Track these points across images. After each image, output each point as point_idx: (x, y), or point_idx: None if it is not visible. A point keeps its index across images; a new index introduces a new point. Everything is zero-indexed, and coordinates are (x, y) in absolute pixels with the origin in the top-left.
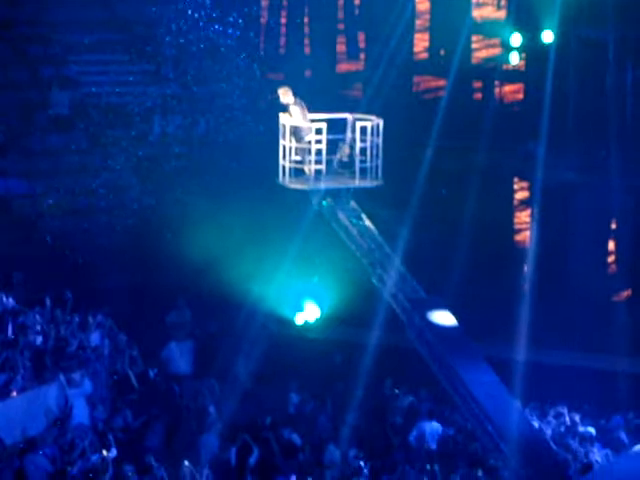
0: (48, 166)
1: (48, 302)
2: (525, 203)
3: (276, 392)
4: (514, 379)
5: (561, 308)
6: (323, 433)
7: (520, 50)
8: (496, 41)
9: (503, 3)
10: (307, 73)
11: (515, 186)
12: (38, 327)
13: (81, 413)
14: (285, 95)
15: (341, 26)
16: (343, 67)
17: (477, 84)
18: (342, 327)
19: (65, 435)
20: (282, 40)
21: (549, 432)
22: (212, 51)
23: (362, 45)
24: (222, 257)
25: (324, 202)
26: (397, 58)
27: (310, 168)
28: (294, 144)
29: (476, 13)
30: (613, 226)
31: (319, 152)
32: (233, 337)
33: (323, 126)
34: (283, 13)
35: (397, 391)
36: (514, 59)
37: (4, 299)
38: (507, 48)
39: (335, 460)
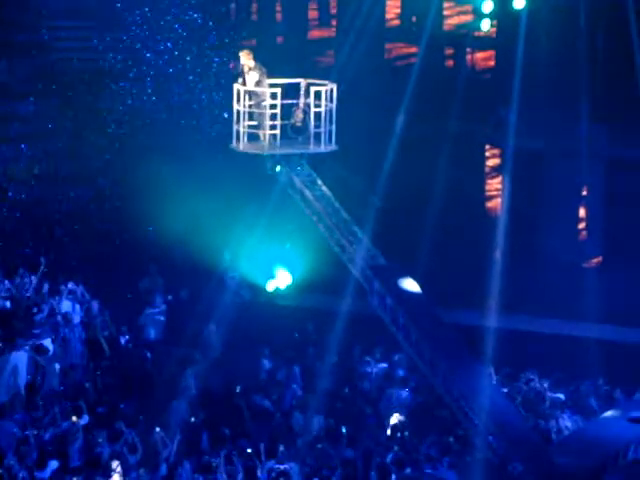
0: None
1: (20, 269)
2: (496, 170)
3: (247, 359)
4: (485, 346)
5: (532, 275)
6: (294, 400)
7: (491, 17)
8: (468, 8)
9: None
10: (279, 40)
11: (486, 153)
12: (7, 293)
13: (52, 379)
14: (246, 58)
15: None
16: (315, 34)
17: (449, 51)
18: (314, 294)
19: (35, 401)
20: (254, 7)
21: (519, 398)
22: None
23: (334, 12)
24: (194, 224)
25: (278, 167)
26: (369, 25)
27: (265, 133)
28: (247, 109)
29: None
30: (584, 193)
31: (274, 117)
32: (204, 304)
33: (277, 91)
34: None
35: (368, 358)
36: (485, 26)
37: None
38: (479, 15)
39: (305, 427)
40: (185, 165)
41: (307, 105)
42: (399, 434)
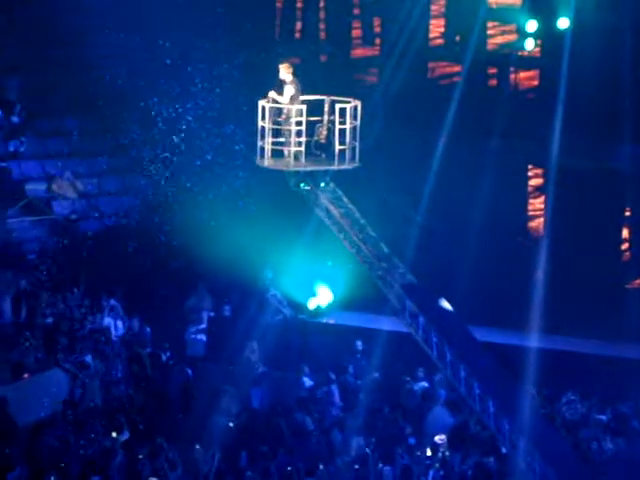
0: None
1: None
2: (539, 190)
3: (288, 376)
4: (525, 366)
5: (574, 296)
6: (334, 418)
7: (535, 36)
8: (512, 27)
9: None
10: (322, 58)
11: (529, 173)
12: (51, 309)
13: (92, 395)
14: (286, 71)
15: (357, 11)
16: (358, 52)
17: (492, 70)
18: (355, 312)
19: (77, 417)
20: (298, 25)
21: (559, 419)
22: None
23: (377, 30)
24: (237, 241)
25: (302, 184)
26: (412, 44)
27: (289, 150)
28: (272, 125)
29: None
30: (627, 214)
31: (299, 133)
32: (246, 322)
33: (303, 107)
34: None
35: (408, 378)
36: (529, 45)
37: (19, 281)
38: (523, 34)
39: (346, 446)
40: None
41: (331, 122)
42: (440, 454)
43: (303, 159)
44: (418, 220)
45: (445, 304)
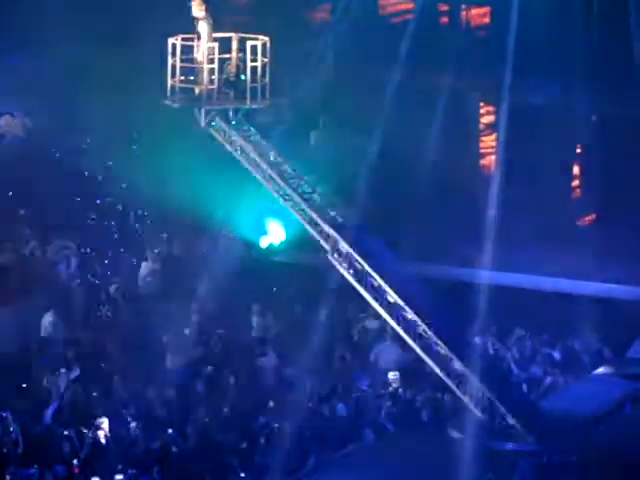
0: None
1: None
2: (490, 127)
3: (240, 315)
4: (475, 303)
5: (525, 232)
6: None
7: None
8: None
9: None
10: None
11: (481, 110)
12: None
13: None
14: (199, 8)
15: None
16: None
17: (443, 8)
18: (308, 250)
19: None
20: None
21: (510, 355)
22: None
23: None
24: (186, 180)
25: (213, 123)
26: None
27: (201, 88)
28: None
29: None
30: (578, 150)
31: (211, 72)
32: (198, 260)
33: (215, 46)
34: None
35: (363, 315)
36: None
37: None
38: None
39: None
40: None
41: (240, 59)
42: (392, 389)
43: (214, 97)
44: (370, 158)
45: (378, 242)
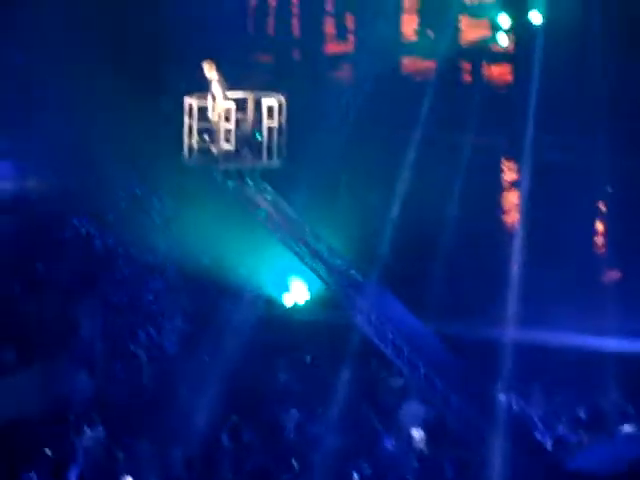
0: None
1: None
2: (513, 183)
3: (265, 373)
4: (498, 359)
5: (548, 287)
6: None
7: (509, 31)
8: (485, 22)
9: None
10: (295, 54)
11: (503, 166)
12: None
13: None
14: (209, 70)
15: (329, 7)
16: (331, 48)
17: (466, 65)
18: (332, 309)
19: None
20: (271, 21)
21: (534, 414)
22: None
23: (350, 26)
24: (211, 238)
25: (230, 181)
26: (385, 39)
27: (218, 147)
28: (198, 124)
29: None
30: (600, 207)
31: (228, 131)
32: (221, 318)
33: (232, 106)
34: None
35: (386, 373)
36: (503, 40)
37: None
38: (496, 29)
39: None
40: None
41: (256, 119)
42: (416, 447)
43: (231, 157)
44: (392, 215)
45: (398, 300)
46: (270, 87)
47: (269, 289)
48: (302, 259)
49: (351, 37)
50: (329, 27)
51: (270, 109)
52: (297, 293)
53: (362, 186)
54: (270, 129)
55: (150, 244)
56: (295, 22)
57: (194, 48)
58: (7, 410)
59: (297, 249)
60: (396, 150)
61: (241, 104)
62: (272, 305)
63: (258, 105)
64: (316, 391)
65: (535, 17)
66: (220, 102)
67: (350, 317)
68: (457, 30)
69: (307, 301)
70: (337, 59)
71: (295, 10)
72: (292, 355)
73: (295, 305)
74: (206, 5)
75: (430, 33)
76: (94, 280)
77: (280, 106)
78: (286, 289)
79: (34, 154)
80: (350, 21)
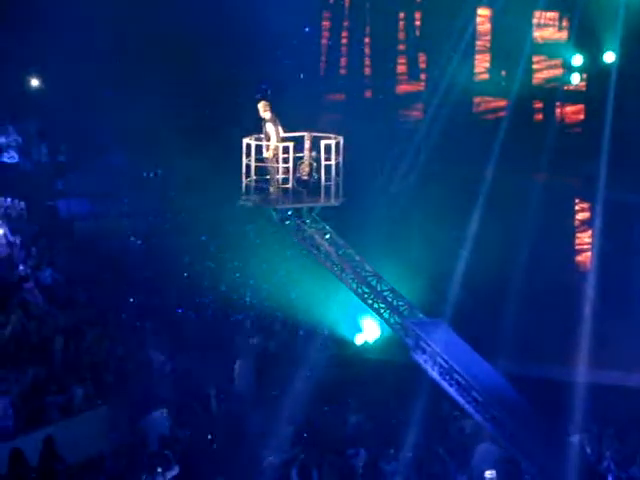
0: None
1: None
2: (586, 224)
3: (335, 412)
4: (570, 400)
5: (621, 329)
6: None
7: (581, 71)
8: (557, 61)
9: (565, 24)
10: (367, 94)
11: (576, 207)
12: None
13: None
14: (264, 109)
15: (402, 47)
16: (403, 88)
17: (538, 105)
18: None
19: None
20: (343, 60)
21: (609, 455)
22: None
23: (423, 66)
24: (283, 278)
25: (287, 221)
26: (457, 79)
27: (275, 187)
28: (256, 163)
29: (537, 34)
30: None
31: (286, 171)
32: (293, 357)
33: (290, 145)
34: (344, 34)
35: (457, 412)
36: (575, 79)
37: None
38: (568, 68)
39: None
40: None
41: (313, 158)
42: None
43: (289, 196)
44: (464, 255)
45: (461, 339)
46: (341, 127)
47: (340, 328)
48: (365, 300)
49: (423, 76)
50: (401, 67)
51: (327, 148)
52: (368, 332)
53: (432, 226)
54: (327, 168)
55: (222, 285)
56: (367, 62)
57: (267, 87)
58: (81, 447)
59: (359, 290)
60: (467, 189)
61: (299, 144)
62: (343, 344)
63: (315, 144)
64: (387, 431)
65: (608, 56)
66: (274, 142)
67: (414, 357)
68: (529, 69)
69: (377, 339)
70: (409, 98)
71: (367, 50)
72: (362, 394)
73: (365, 344)
74: (280, 44)
75: (503, 72)
76: (169, 318)
77: (337, 145)
78: (357, 328)
79: (111, 192)
80: (422, 60)
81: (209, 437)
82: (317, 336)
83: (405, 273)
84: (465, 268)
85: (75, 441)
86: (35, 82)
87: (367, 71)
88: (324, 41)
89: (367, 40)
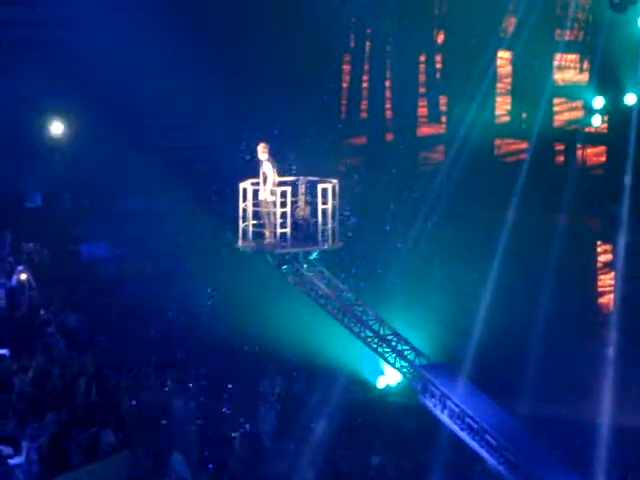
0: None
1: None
2: (608, 266)
3: (358, 455)
4: (595, 444)
5: None
6: None
7: (603, 112)
8: (578, 104)
9: (585, 66)
10: (388, 136)
11: (598, 249)
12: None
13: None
14: (263, 151)
15: (422, 89)
16: (424, 130)
17: (559, 147)
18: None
19: None
20: (364, 104)
21: None
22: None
23: (443, 108)
24: (305, 322)
25: (285, 266)
26: (478, 121)
27: (273, 232)
28: (253, 207)
29: (558, 76)
30: None
31: (283, 215)
32: (316, 401)
33: (288, 189)
34: (365, 77)
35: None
36: (597, 121)
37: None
38: (589, 111)
39: None
40: None
41: (308, 203)
42: None
43: (286, 241)
44: (484, 295)
45: (467, 382)
46: (362, 169)
47: (362, 371)
48: (369, 344)
49: (444, 119)
50: (422, 109)
51: (324, 192)
52: (390, 375)
53: (453, 268)
54: (324, 212)
55: (249, 328)
56: (388, 105)
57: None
58: None
59: (362, 334)
60: (488, 231)
61: (295, 188)
62: (366, 387)
63: (307, 188)
64: (410, 473)
65: (629, 98)
66: (270, 185)
67: (423, 401)
68: (550, 111)
69: (399, 382)
70: (430, 140)
71: (388, 93)
72: (385, 437)
73: (388, 387)
74: (300, 88)
75: (523, 115)
76: (187, 363)
77: (334, 189)
78: (379, 371)
79: (129, 237)
80: (443, 103)
81: None
82: (339, 379)
83: (426, 316)
84: (486, 310)
85: None
86: (57, 128)
87: (388, 114)
88: (344, 84)
89: (388, 83)
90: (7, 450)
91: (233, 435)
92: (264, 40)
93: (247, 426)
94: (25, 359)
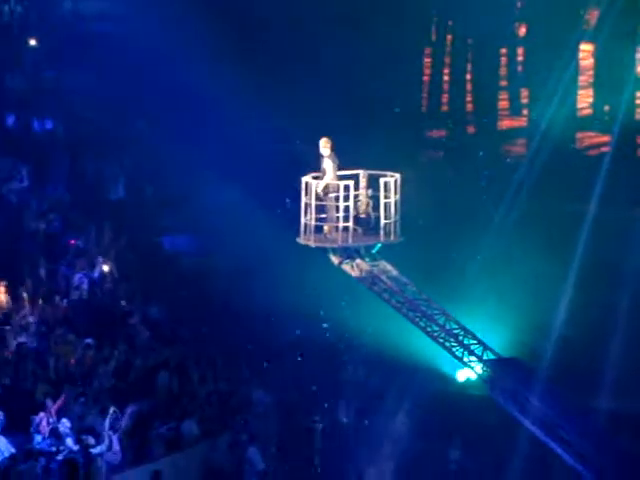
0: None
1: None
2: None
3: (437, 448)
4: None
5: None
6: None
7: None
8: None
9: None
10: (470, 129)
11: None
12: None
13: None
14: (325, 146)
15: (504, 82)
16: (505, 123)
17: None
18: None
19: None
20: (444, 97)
21: None
22: None
23: (525, 101)
24: (383, 314)
25: (346, 260)
26: (560, 114)
27: (336, 226)
28: (316, 201)
29: None
30: None
31: (346, 209)
32: (395, 393)
33: (350, 183)
34: (446, 70)
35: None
36: None
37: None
38: None
39: None
40: None
41: (369, 196)
42: None
43: (348, 235)
44: (565, 290)
45: (538, 376)
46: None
47: (442, 364)
48: (435, 338)
49: (525, 112)
50: (503, 102)
51: (386, 185)
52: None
53: (534, 262)
54: (386, 206)
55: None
56: (469, 98)
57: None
58: None
59: (428, 328)
60: (570, 225)
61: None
62: (446, 379)
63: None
64: (489, 469)
65: None
66: (328, 179)
67: (493, 396)
68: (633, 104)
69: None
70: (511, 134)
71: (469, 86)
72: (465, 431)
73: (468, 380)
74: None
75: (606, 107)
76: (273, 354)
77: (395, 182)
78: (459, 365)
79: (212, 230)
80: (524, 96)
81: (311, 472)
82: (418, 372)
83: (507, 311)
84: (567, 304)
85: (180, 476)
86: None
87: (469, 107)
88: (425, 78)
89: (469, 76)
90: (90, 439)
91: (314, 426)
92: (347, 35)
93: (327, 417)
94: (107, 349)
